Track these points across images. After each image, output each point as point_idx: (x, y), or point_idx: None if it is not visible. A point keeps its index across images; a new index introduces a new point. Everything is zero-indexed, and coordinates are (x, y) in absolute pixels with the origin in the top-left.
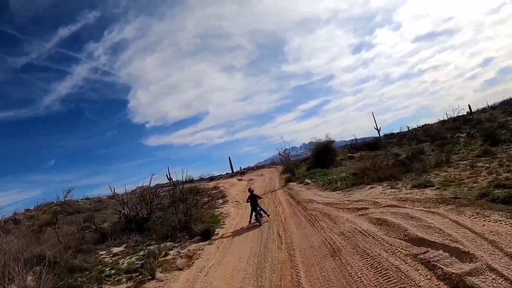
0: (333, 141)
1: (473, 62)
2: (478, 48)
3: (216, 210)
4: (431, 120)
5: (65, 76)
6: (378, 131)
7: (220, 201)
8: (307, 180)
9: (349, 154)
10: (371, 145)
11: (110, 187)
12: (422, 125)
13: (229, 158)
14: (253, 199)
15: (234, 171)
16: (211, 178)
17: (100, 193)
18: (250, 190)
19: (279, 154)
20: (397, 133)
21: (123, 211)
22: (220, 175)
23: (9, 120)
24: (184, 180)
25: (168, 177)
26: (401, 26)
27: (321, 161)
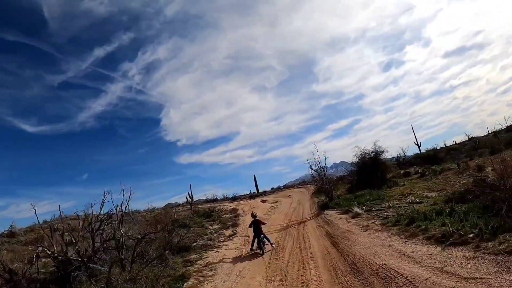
0: (383, 151)
1: (505, 76)
2: (509, 61)
3: (205, 255)
4: (464, 138)
5: (100, 94)
6: (419, 147)
7: (228, 232)
8: (356, 209)
9: (400, 170)
10: (428, 158)
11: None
12: (470, 137)
13: (254, 176)
14: (256, 225)
15: (259, 190)
16: (234, 198)
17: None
18: (253, 215)
19: (311, 169)
20: (441, 148)
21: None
22: (246, 194)
23: (46, 134)
24: (206, 199)
25: (190, 195)
26: (430, 42)
27: (368, 179)
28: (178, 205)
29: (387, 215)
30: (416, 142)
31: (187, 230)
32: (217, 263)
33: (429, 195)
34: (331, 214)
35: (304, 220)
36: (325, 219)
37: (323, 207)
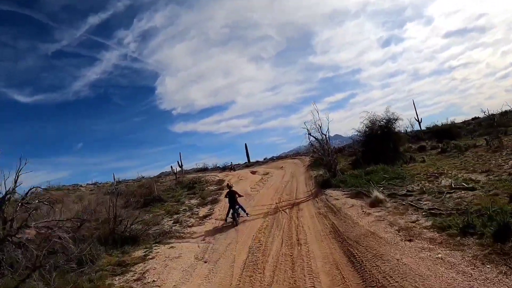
0: (396, 119)
1: (506, 61)
2: (510, 47)
3: (155, 251)
4: (460, 119)
5: (95, 62)
6: (419, 123)
7: (203, 210)
8: (376, 193)
9: (410, 144)
10: (441, 132)
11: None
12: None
13: (245, 145)
14: (231, 196)
15: (251, 160)
16: (224, 168)
17: (127, 177)
18: (228, 186)
19: (309, 135)
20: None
21: None
22: (239, 164)
23: (40, 104)
24: (197, 168)
25: (180, 164)
26: (432, 21)
27: (378, 151)
28: (169, 174)
29: (429, 208)
30: (416, 118)
31: (161, 205)
32: (161, 269)
33: (473, 178)
34: (336, 195)
35: (298, 200)
36: (328, 203)
37: (323, 184)
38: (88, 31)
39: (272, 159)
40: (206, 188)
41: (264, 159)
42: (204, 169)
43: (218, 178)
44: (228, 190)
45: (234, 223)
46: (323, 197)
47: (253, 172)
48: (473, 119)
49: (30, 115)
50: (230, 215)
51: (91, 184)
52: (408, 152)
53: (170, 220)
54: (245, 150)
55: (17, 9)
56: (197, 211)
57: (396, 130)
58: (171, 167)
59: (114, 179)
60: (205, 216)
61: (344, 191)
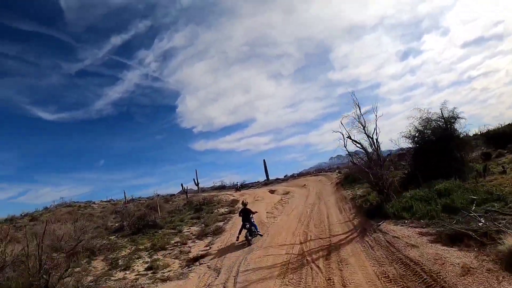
0: (456, 118)
1: None
2: None
3: None
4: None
5: (117, 81)
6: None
7: (196, 248)
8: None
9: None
10: (497, 137)
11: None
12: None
13: (264, 161)
14: (246, 214)
15: (269, 177)
16: (242, 186)
17: (143, 194)
18: (243, 203)
19: (349, 139)
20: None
21: None
22: (258, 182)
23: (64, 122)
24: (213, 186)
25: (196, 182)
26: (449, 31)
27: (437, 164)
28: (184, 192)
29: None
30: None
31: (153, 232)
32: None
33: None
34: (403, 234)
35: (335, 240)
36: (395, 253)
37: (371, 212)
38: (111, 51)
39: (293, 176)
40: (215, 211)
41: (285, 176)
42: (222, 187)
43: (232, 198)
44: (242, 207)
45: (247, 243)
46: (379, 237)
47: (272, 191)
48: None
49: (54, 132)
50: (243, 235)
51: (105, 201)
52: (473, 162)
53: (146, 263)
54: (263, 167)
55: (41, 29)
56: (190, 246)
57: (458, 133)
58: (182, 185)
59: (125, 196)
60: (195, 259)
61: (415, 227)
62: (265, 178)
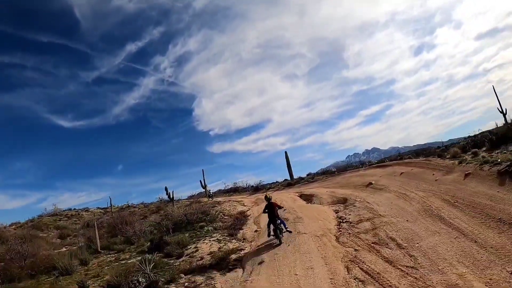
0: None
1: None
2: None
3: None
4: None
5: (133, 87)
6: (504, 115)
7: None
8: None
9: None
10: None
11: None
12: None
13: (286, 154)
14: (271, 209)
15: (293, 176)
16: (257, 188)
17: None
18: (267, 198)
19: None
20: None
21: None
22: (277, 182)
23: (82, 129)
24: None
25: (203, 184)
26: (462, 24)
27: None
28: (198, 195)
29: None
30: (500, 109)
31: None
32: None
33: None
34: None
35: None
36: None
37: None
38: (126, 58)
39: (326, 174)
40: (194, 251)
41: (308, 175)
42: (234, 190)
43: (240, 208)
44: (266, 203)
45: (278, 241)
46: None
47: (308, 198)
48: None
49: (73, 139)
50: (272, 232)
51: (103, 208)
52: None
53: None
54: (285, 163)
55: (58, 40)
56: None
57: None
58: (201, 183)
59: (111, 204)
60: None
61: None
62: (288, 177)
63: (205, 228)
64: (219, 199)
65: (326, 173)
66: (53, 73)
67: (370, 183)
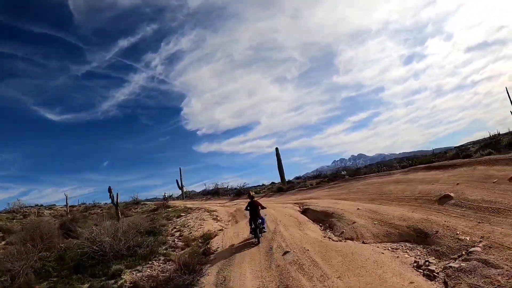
0: None
1: None
2: None
3: None
4: (484, 134)
5: (123, 83)
6: None
7: None
8: None
9: None
10: None
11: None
12: None
13: (277, 150)
14: (253, 208)
15: (285, 178)
16: (239, 193)
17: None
18: (250, 196)
19: None
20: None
21: None
22: (263, 185)
23: (70, 122)
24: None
25: (179, 184)
26: (452, 36)
27: None
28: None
29: None
30: None
31: None
32: None
33: None
34: None
35: None
36: None
37: None
38: (118, 53)
39: (339, 178)
40: None
41: (297, 178)
42: (215, 192)
43: (205, 228)
44: (249, 200)
45: (256, 241)
46: None
47: (323, 220)
48: None
49: (60, 132)
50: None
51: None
52: None
53: None
54: (276, 163)
55: (50, 31)
56: None
57: None
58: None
59: (67, 202)
60: None
61: None
62: (276, 180)
63: (121, 279)
64: (189, 204)
65: (322, 177)
66: (43, 64)
67: (448, 196)
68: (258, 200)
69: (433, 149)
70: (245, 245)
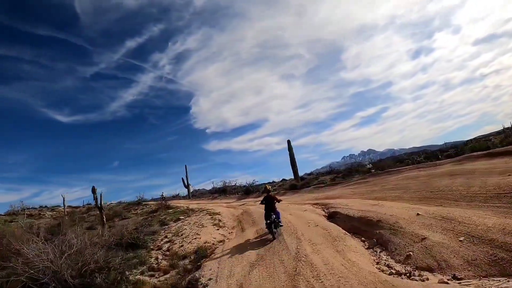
0: None
1: None
2: None
3: None
4: (494, 128)
5: (131, 84)
6: None
7: None
8: None
9: None
10: None
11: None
12: None
13: (289, 143)
14: (269, 202)
15: (299, 174)
16: (248, 191)
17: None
18: (266, 190)
19: None
20: None
21: None
22: (273, 182)
23: (78, 124)
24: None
25: (185, 182)
26: (460, 29)
27: None
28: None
29: None
30: None
31: None
32: None
33: None
34: None
35: None
36: None
37: None
38: (125, 54)
39: (363, 173)
40: None
41: (309, 174)
42: (223, 190)
43: (201, 239)
44: (265, 194)
45: (271, 237)
46: None
47: (379, 239)
48: None
49: (69, 134)
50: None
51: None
52: None
53: None
54: (288, 158)
55: (57, 34)
56: None
57: None
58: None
59: (64, 204)
60: None
61: None
62: (287, 177)
63: None
64: (193, 205)
65: (335, 173)
66: (50, 67)
67: None
68: (274, 195)
69: (445, 143)
70: (252, 267)
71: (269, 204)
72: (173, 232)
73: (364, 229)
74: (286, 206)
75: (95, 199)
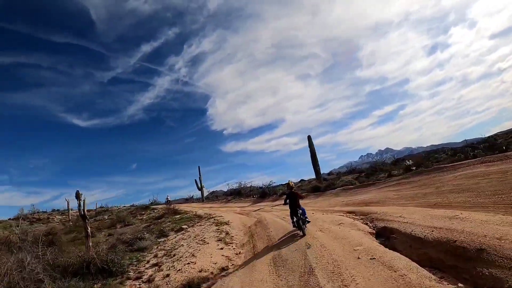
0: None
1: None
2: None
3: None
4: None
5: (148, 87)
6: None
7: None
8: None
9: None
10: None
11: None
12: None
13: (309, 138)
14: (292, 199)
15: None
16: (264, 193)
17: (179, 195)
18: (289, 186)
19: None
20: None
21: None
22: (299, 183)
23: (97, 128)
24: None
25: (198, 184)
26: (476, 23)
27: None
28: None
29: None
30: None
31: None
32: None
33: None
34: None
35: None
36: None
37: None
38: (141, 58)
39: (404, 169)
40: None
41: (329, 174)
42: (238, 193)
43: (197, 265)
44: (288, 191)
45: (301, 233)
46: None
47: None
48: None
49: (88, 138)
50: (294, 224)
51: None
52: None
53: None
54: (310, 156)
55: (74, 40)
56: None
57: None
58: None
59: (68, 206)
60: None
61: None
62: (305, 177)
63: None
64: (205, 209)
65: (356, 172)
66: (69, 73)
67: None
68: (297, 192)
69: (465, 140)
70: None
71: (294, 201)
72: (166, 249)
73: (451, 263)
74: (311, 215)
75: (79, 205)
